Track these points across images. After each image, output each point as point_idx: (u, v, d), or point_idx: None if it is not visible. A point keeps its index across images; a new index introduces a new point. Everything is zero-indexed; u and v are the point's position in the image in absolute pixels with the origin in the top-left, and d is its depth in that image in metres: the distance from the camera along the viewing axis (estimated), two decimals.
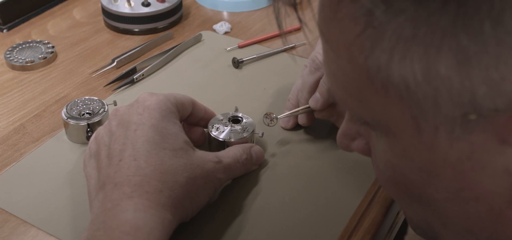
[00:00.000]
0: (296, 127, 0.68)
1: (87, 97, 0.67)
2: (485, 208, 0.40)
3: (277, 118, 0.65)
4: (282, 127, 0.68)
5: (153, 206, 0.48)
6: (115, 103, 0.67)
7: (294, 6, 0.41)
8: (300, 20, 0.59)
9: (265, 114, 0.65)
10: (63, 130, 0.67)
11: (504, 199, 0.39)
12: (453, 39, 0.33)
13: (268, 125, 0.65)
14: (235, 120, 0.64)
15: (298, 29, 0.82)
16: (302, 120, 0.67)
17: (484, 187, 0.39)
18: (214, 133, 0.62)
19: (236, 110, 0.65)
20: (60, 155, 0.64)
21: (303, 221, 0.56)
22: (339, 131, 0.51)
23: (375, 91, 0.38)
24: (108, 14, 0.87)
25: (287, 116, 0.66)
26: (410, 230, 1.56)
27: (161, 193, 0.49)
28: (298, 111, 0.65)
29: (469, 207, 0.41)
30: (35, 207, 0.57)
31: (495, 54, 0.33)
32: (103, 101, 0.67)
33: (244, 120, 0.64)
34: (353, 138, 0.50)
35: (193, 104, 0.61)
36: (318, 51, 0.66)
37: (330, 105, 0.64)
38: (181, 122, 0.59)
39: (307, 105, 0.64)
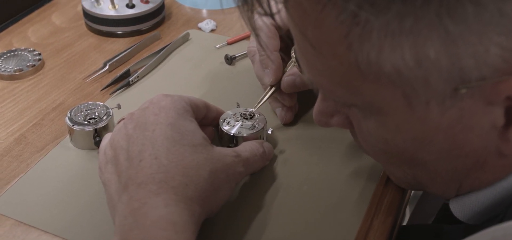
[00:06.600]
0: (300, 121, 0.69)
1: (90, 102, 0.66)
2: (472, 161, 0.45)
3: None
4: (283, 123, 0.69)
5: (182, 200, 0.49)
6: (119, 107, 0.67)
7: (272, 16, 0.42)
8: (279, 27, 0.61)
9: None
10: (67, 137, 0.66)
11: (490, 150, 0.44)
12: (440, 27, 0.37)
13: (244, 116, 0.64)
14: (247, 116, 0.64)
15: None
16: (286, 117, 0.68)
17: (473, 144, 0.43)
18: (225, 127, 0.62)
19: (238, 105, 0.66)
20: (68, 162, 0.63)
21: (325, 209, 0.57)
22: (315, 110, 0.53)
23: (366, 80, 0.41)
24: (92, 18, 0.86)
25: (259, 104, 0.66)
26: None
27: (187, 187, 0.50)
28: (266, 96, 0.66)
29: (458, 163, 0.46)
30: (54, 216, 0.56)
31: (478, 32, 0.37)
32: (107, 105, 0.66)
33: (256, 116, 0.64)
34: (331, 115, 0.52)
35: (207, 107, 0.61)
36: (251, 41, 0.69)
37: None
38: None
39: (271, 88, 0.66)
